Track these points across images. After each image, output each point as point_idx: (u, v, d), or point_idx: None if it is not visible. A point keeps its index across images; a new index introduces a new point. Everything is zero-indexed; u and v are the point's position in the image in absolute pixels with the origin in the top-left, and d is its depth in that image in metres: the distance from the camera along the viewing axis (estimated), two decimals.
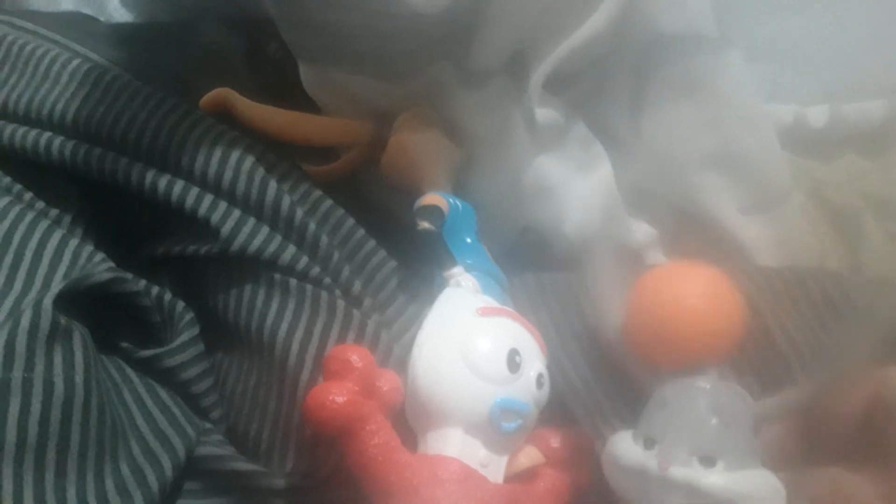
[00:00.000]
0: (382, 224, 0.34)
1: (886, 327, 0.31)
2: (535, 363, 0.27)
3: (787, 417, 0.24)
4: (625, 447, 0.24)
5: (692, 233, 0.37)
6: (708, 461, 0.22)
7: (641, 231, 0.37)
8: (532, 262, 0.35)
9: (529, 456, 0.27)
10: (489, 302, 0.28)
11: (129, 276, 0.28)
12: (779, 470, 0.23)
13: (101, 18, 0.45)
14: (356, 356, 0.25)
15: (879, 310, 0.32)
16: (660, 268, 0.26)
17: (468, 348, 0.26)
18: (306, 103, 0.38)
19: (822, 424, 0.24)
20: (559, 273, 0.34)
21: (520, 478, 0.27)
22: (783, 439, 0.25)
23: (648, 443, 0.23)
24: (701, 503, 0.21)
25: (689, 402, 0.23)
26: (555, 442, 0.28)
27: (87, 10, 0.45)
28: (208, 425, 0.28)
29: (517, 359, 0.26)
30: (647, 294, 0.25)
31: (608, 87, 0.36)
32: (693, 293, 0.24)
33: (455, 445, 0.25)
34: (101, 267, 0.27)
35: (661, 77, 0.35)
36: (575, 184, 0.35)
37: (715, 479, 0.22)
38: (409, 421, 0.26)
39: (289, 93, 0.38)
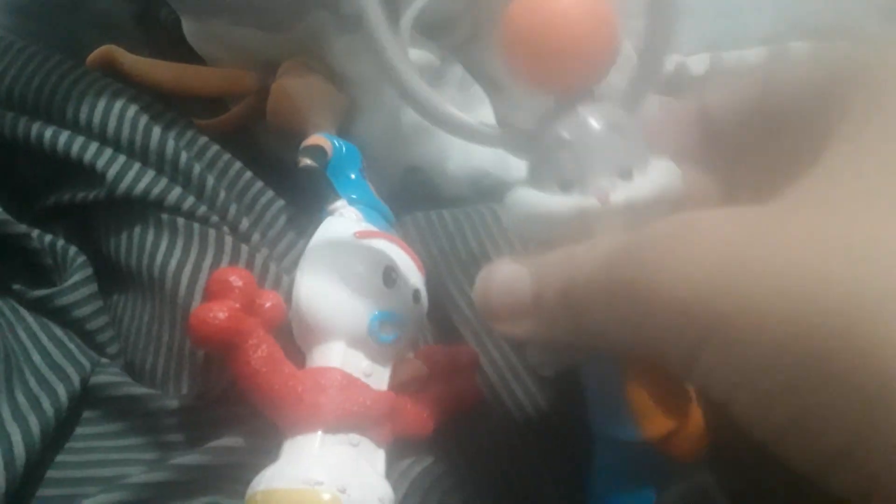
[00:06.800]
0: (274, 170, 0.35)
1: None
2: (411, 279, 0.29)
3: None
4: (545, 199, 0.23)
5: None
6: (626, 174, 0.22)
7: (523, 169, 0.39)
8: (421, 200, 0.37)
9: (413, 367, 0.29)
10: (368, 227, 0.30)
11: (19, 223, 0.29)
12: None
13: None
14: (235, 276, 0.26)
15: None
16: None
17: (345, 266, 0.27)
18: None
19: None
20: (447, 210, 0.36)
21: (405, 388, 0.29)
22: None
23: (565, 185, 0.22)
24: (636, 214, 0.21)
25: (589, 131, 0.22)
26: (439, 356, 0.30)
27: None
28: (105, 360, 0.29)
29: (393, 275, 0.28)
30: (522, 12, 0.23)
31: (483, 32, 0.38)
32: (566, 7, 0.22)
33: (338, 357, 0.27)
34: None
35: None
36: None
37: (642, 187, 0.22)
38: (296, 341, 0.28)
39: (181, 58, 0.39)
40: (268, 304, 0.27)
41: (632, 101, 0.24)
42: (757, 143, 0.23)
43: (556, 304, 0.21)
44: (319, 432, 0.25)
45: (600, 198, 0.21)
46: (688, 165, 0.23)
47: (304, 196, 0.32)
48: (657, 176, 0.22)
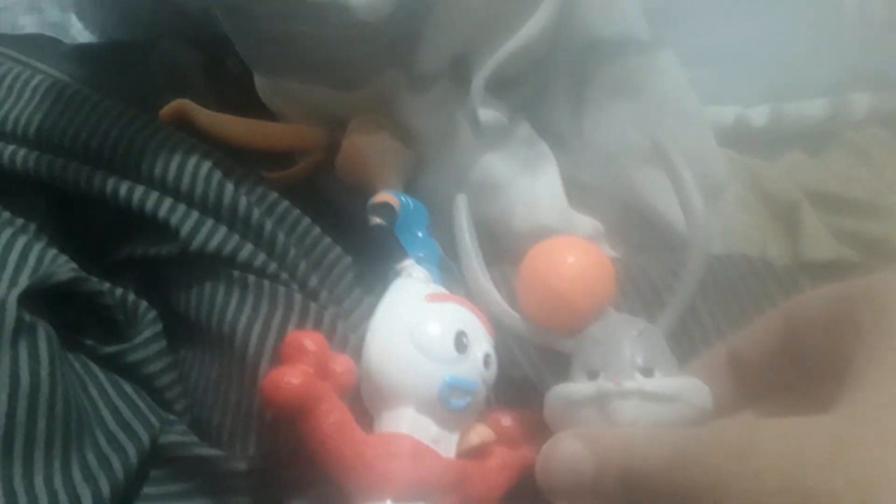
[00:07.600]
0: (340, 224, 0.35)
1: None
2: (482, 344, 0.28)
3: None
4: (571, 387, 0.27)
5: (636, 226, 0.39)
6: (648, 372, 0.26)
7: (588, 225, 0.39)
8: (486, 257, 0.37)
9: (480, 433, 0.28)
10: (438, 289, 0.30)
11: (92, 278, 0.30)
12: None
13: (65, 41, 0.46)
14: (309, 340, 0.26)
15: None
16: (532, 249, 0.30)
17: (417, 331, 0.27)
18: (264, 116, 0.40)
19: (740, 365, 0.26)
20: (509, 266, 0.36)
21: (472, 455, 0.28)
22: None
23: (592, 375, 0.26)
24: (649, 406, 0.25)
25: (617, 333, 0.27)
26: (506, 421, 0.30)
27: (50, 34, 0.47)
28: (172, 417, 0.29)
29: (464, 340, 0.28)
30: (531, 272, 0.29)
31: (550, 90, 0.38)
32: (566, 262, 0.29)
33: (407, 423, 0.27)
34: (63, 267, 0.28)
35: (598, 78, 0.37)
36: (521, 181, 0.36)
37: (658, 383, 0.26)
38: (364, 404, 0.28)
39: (247, 106, 0.40)
40: (340, 369, 0.27)
41: (661, 320, 0.29)
42: (784, 377, 0.25)
43: (616, 489, 0.22)
44: (388, 501, 0.25)
45: (615, 382, 0.25)
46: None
47: (372, 253, 0.32)
48: (678, 381, 0.26)
